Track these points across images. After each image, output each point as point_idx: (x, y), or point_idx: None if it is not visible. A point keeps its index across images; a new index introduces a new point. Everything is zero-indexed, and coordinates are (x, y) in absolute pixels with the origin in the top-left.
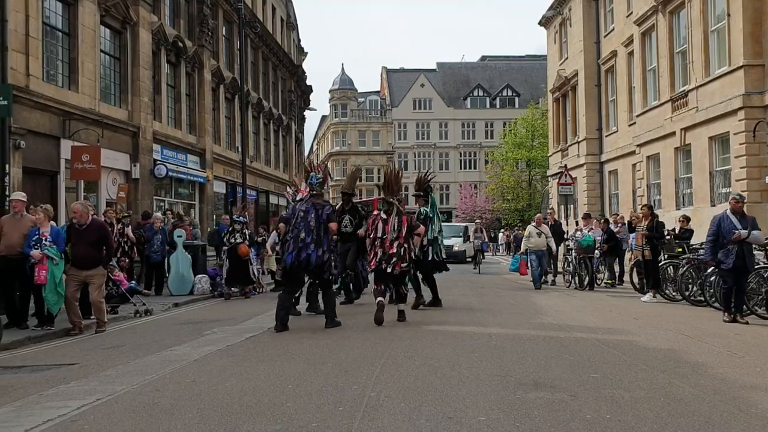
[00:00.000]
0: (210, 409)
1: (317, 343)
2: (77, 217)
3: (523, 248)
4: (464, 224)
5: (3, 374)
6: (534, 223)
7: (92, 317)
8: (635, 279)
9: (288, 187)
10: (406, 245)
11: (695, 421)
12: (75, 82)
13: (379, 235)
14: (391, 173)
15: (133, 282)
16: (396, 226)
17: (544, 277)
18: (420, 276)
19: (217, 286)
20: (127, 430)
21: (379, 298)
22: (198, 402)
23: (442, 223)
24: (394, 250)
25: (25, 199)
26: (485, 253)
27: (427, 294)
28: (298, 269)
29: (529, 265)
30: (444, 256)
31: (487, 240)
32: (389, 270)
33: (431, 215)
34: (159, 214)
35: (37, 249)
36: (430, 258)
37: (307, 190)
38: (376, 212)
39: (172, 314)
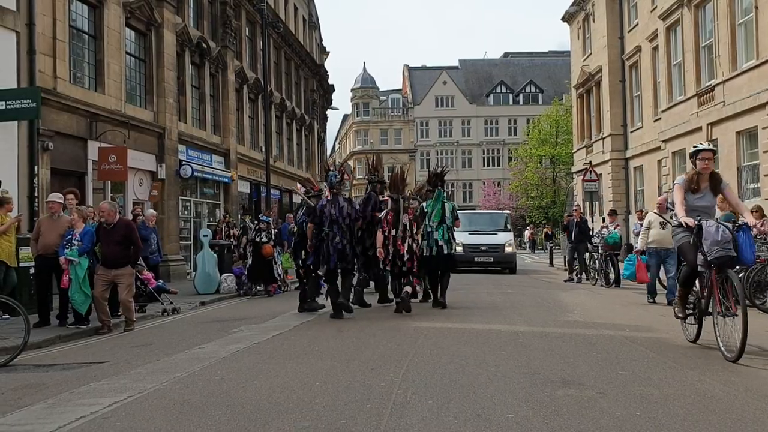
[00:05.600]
0: (239, 406)
1: (343, 341)
2: (105, 216)
3: (640, 245)
4: (505, 212)
5: (35, 372)
6: (656, 210)
7: (120, 314)
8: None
9: (299, 184)
10: (416, 243)
11: (727, 418)
12: (101, 84)
13: (393, 233)
14: (397, 173)
15: (161, 281)
16: (407, 225)
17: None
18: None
19: (243, 284)
20: (158, 426)
21: (405, 289)
22: (227, 399)
23: (472, 214)
24: (405, 248)
25: (61, 200)
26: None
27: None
28: (335, 269)
29: (648, 268)
30: (451, 251)
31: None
32: (403, 268)
33: (428, 210)
34: (152, 211)
35: (68, 249)
36: (425, 253)
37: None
38: (386, 211)
39: (198, 313)
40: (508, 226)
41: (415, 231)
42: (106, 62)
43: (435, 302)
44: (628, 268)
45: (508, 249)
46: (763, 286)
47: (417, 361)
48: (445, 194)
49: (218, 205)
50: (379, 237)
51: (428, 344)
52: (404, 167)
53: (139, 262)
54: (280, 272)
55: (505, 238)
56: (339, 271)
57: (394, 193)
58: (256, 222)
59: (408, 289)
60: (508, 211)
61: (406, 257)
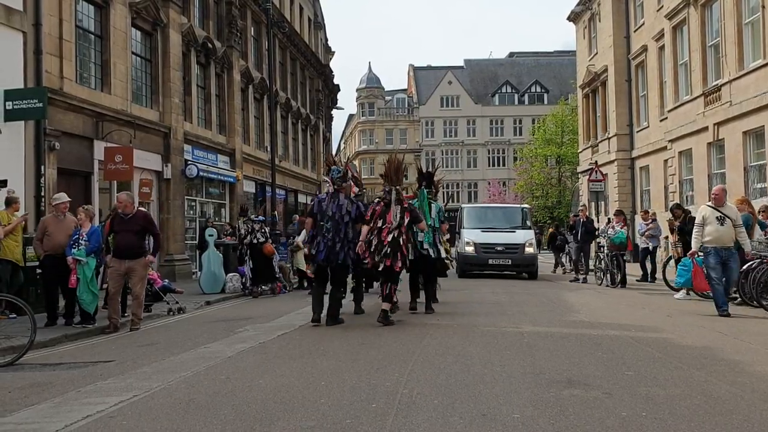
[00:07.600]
0: (245, 405)
1: (349, 340)
2: (121, 207)
3: (695, 245)
4: (524, 206)
5: (42, 371)
6: (712, 203)
7: (127, 314)
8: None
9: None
10: (403, 238)
11: (734, 419)
12: (107, 84)
13: (379, 225)
14: (393, 163)
15: (166, 280)
16: (397, 216)
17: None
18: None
19: (248, 284)
20: (164, 425)
21: (383, 308)
22: (233, 398)
23: (487, 208)
24: (389, 240)
25: (67, 201)
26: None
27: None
28: (326, 267)
29: (705, 272)
30: (439, 255)
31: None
32: (379, 262)
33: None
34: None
35: (75, 249)
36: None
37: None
38: (376, 200)
39: (204, 312)
40: (528, 223)
41: (404, 223)
42: (112, 62)
43: (411, 305)
44: (682, 274)
45: (529, 249)
46: None
47: (422, 360)
48: (426, 194)
49: (224, 204)
50: (364, 229)
51: (434, 344)
52: (400, 157)
53: None
54: (279, 270)
55: (524, 236)
56: (330, 274)
57: (387, 184)
58: (249, 223)
59: (386, 306)
60: (527, 206)
61: (387, 250)
